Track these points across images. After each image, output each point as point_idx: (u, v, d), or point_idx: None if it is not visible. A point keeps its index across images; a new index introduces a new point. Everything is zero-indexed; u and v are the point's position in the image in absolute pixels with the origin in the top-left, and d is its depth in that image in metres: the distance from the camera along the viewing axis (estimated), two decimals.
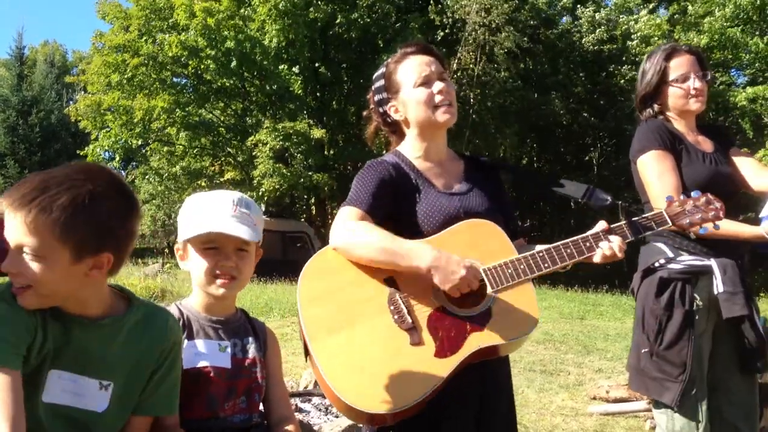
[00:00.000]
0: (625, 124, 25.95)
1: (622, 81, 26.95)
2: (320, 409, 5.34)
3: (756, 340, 2.83)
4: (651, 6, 28.87)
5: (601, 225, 2.26)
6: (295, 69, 25.33)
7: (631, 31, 26.82)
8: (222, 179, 26.66)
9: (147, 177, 28.58)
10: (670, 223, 2.30)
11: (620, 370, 7.53)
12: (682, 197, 2.35)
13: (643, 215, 2.33)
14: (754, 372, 2.91)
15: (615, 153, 29.11)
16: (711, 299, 2.82)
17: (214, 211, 1.89)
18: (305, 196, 28.68)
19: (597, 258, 2.21)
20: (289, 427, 2.00)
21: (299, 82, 25.34)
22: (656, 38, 24.90)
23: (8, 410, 1.44)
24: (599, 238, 2.22)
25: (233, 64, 23.17)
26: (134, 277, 14.43)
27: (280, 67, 24.57)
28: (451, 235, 2.19)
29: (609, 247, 2.19)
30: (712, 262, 2.81)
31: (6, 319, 1.53)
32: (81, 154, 25.99)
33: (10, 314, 1.55)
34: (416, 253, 2.08)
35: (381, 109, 2.43)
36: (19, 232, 1.51)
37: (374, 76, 2.48)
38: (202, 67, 23.80)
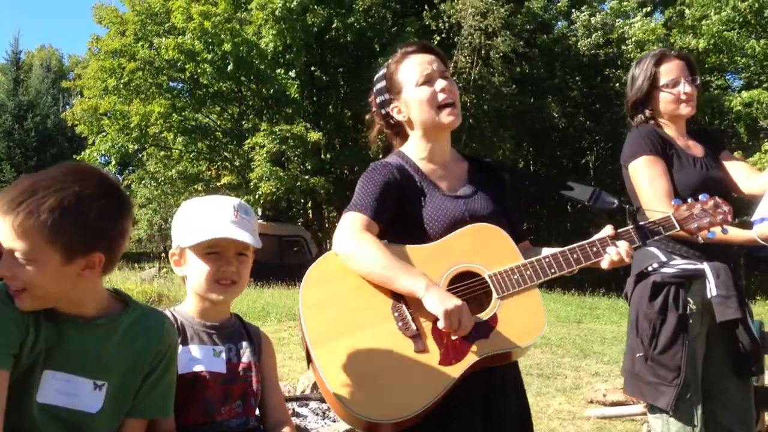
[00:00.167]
0: (621, 128, 25.97)
1: (618, 85, 26.99)
2: (317, 414, 5.34)
3: (749, 343, 2.83)
4: (646, 10, 28.94)
5: (608, 230, 2.23)
6: (292, 73, 25.34)
7: (626, 36, 26.88)
8: (218, 183, 26.65)
9: (143, 181, 28.55)
10: (678, 228, 2.29)
11: (617, 373, 7.54)
12: (689, 201, 2.33)
13: (651, 220, 2.31)
14: (748, 376, 2.92)
15: (611, 157, 29.15)
16: (704, 303, 2.82)
17: (216, 216, 1.89)
18: (302, 200, 28.66)
19: (605, 264, 2.18)
20: (285, 431, 1.99)
21: (296, 86, 25.36)
22: (651, 43, 24.98)
23: None
24: (606, 243, 2.20)
25: (230, 67, 23.16)
26: (131, 282, 14.43)
27: (276, 71, 24.58)
28: (456, 239, 2.16)
29: (616, 252, 2.17)
30: (705, 266, 2.81)
31: None
32: (77, 158, 25.92)
33: (1, 314, 1.55)
34: (411, 281, 2.03)
35: (383, 111, 2.39)
36: (8, 236, 1.52)
37: (375, 78, 2.44)
38: (199, 71, 23.79)
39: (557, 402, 6.47)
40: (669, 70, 3.02)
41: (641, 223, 2.27)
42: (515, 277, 2.13)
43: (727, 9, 21.62)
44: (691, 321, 2.81)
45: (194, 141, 25.52)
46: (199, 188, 26.21)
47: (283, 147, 23.00)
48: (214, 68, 23.46)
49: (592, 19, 27.66)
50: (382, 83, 2.39)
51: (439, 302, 1.96)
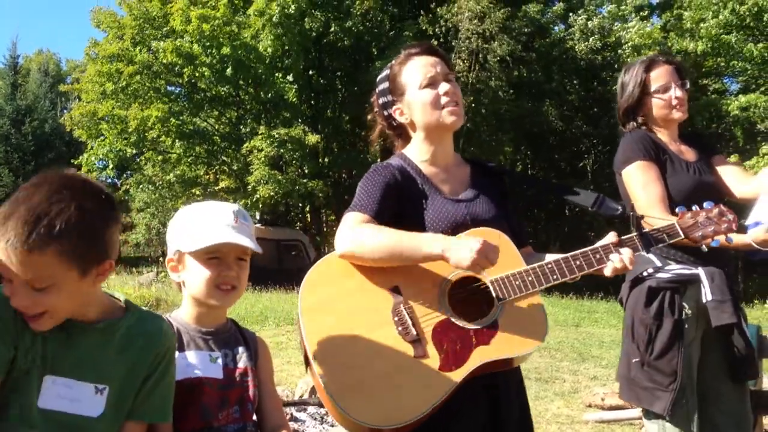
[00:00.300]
0: (618, 132, 25.99)
1: (616, 89, 27.03)
2: (315, 419, 5.34)
3: (744, 348, 2.84)
4: (642, 14, 29.02)
5: (611, 237, 2.22)
6: (290, 77, 25.36)
7: (622, 41, 26.95)
8: (216, 188, 26.64)
9: (141, 186, 28.54)
10: (683, 236, 2.28)
11: (615, 377, 7.54)
12: (694, 208, 2.33)
13: (655, 227, 2.30)
14: (744, 380, 2.92)
15: (609, 160, 29.01)
16: (699, 308, 2.83)
17: (216, 222, 1.90)
18: (300, 204, 28.66)
19: (608, 271, 2.17)
20: None
21: (294, 90, 25.37)
22: (648, 47, 25.03)
23: None
24: (610, 250, 2.18)
25: (228, 71, 23.16)
26: (129, 286, 14.42)
27: (275, 75, 24.60)
28: None
29: (620, 259, 2.15)
30: (700, 271, 2.82)
31: None
32: (75, 162, 25.95)
33: None
34: (427, 242, 2.03)
35: (386, 112, 2.38)
36: (22, 270, 1.51)
37: (378, 78, 2.42)
38: (197, 74, 23.79)
39: (556, 406, 6.47)
40: (659, 76, 3.03)
41: (645, 230, 2.27)
42: (517, 282, 2.12)
43: (725, 12, 21.65)
44: (686, 326, 2.81)
45: (192, 145, 25.50)
46: (197, 192, 26.18)
47: (281, 150, 22.99)
48: (213, 72, 23.46)
49: (589, 23, 27.72)
50: (385, 84, 2.37)
51: (461, 259, 1.97)
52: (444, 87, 2.25)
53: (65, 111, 36.79)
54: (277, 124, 24.14)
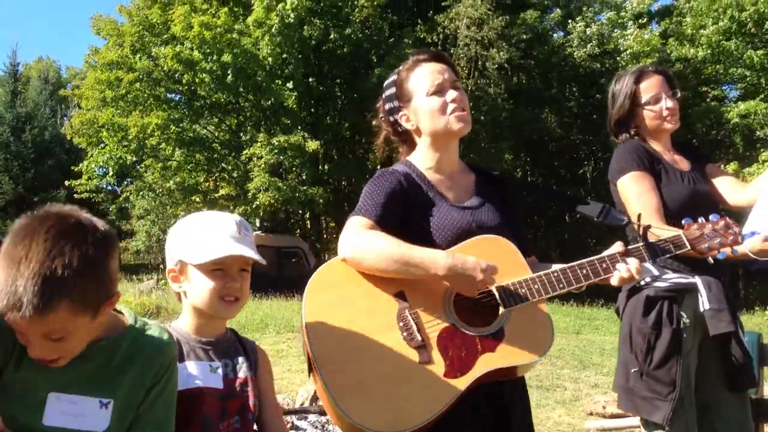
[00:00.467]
0: None
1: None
2: (317, 427, 5.32)
3: (742, 356, 2.84)
4: (641, 22, 29.08)
5: (617, 246, 2.22)
6: (289, 84, 25.40)
7: (621, 48, 27.01)
8: (216, 195, 26.64)
9: (141, 193, 28.55)
10: (689, 247, 2.28)
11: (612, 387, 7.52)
12: (700, 220, 2.33)
13: (661, 238, 2.30)
14: (743, 389, 2.91)
15: (608, 167, 29.14)
16: (697, 316, 2.83)
17: (221, 233, 1.90)
18: (300, 211, 28.67)
19: (615, 280, 2.17)
20: None
21: (293, 97, 25.41)
22: (646, 54, 25.08)
23: None
24: (616, 260, 2.18)
25: (229, 77, 23.19)
26: (129, 294, 14.38)
27: (275, 82, 24.63)
28: (463, 250, 2.13)
29: (626, 269, 2.15)
30: (697, 280, 2.82)
31: None
32: (75, 170, 25.96)
33: None
34: (430, 260, 2.02)
35: (391, 118, 2.37)
36: (37, 328, 1.51)
37: (385, 84, 2.42)
38: (197, 80, 23.82)
39: (557, 414, 6.45)
40: (649, 87, 3.04)
41: (651, 241, 2.26)
42: (523, 290, 2.11)
43: (725, 19, 21.72)
44: (684, 335, 2.81)
45: (192, 153, 25.52)
46: (197, 200, 26.18)
47: (281, 157, 23.00)
48: (213, 78, 23.49)
49: (587, 30, 27.78)
50: (392, 90, 2.36)
51: (462, 288, 2.03)
52: (451, 94, 2.25)
53: (65, 118, 36.85)
54: (276, 131, 24.16)
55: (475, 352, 2.02)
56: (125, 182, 30.65)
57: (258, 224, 24.98)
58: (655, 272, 2.86)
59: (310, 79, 26.07)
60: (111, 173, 26.35)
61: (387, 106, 2.39)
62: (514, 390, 2.22)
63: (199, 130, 26.15)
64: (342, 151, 27.72)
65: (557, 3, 30.31)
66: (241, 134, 25.74)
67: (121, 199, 30.40)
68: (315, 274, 2.12)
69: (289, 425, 5.21)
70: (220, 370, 1.95)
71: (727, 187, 3.04)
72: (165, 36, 24.21)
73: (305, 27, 23.83)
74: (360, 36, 24.76)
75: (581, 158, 31.37)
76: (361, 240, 2.07)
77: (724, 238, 2.29)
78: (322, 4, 23.97)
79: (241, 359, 2.01)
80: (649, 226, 2.30)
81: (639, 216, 2.28)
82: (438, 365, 2.00)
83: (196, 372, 1.91)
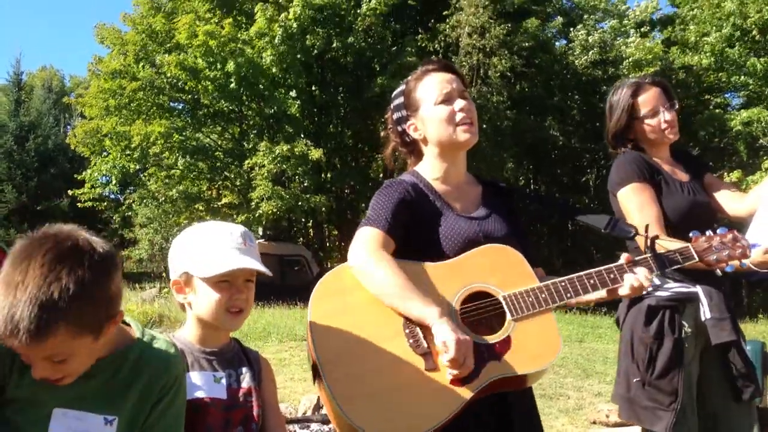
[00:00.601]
0: None
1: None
2: None
3: (743, 366, 2.83)
4: (643, 30, 29.12)
5: (624, 257, 2.21)
6: (292, 93, 25.45)
7: (624, 56, 27.04)
8: (219, 203, 26.65)
9: (144, 201, 28.57)
10: (697, 259, 2.28)
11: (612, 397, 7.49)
12: (708, 233, 2.32)
13: (669, 249, 2.30)
14: (749, 399, 2.89)
15: None
16: (698, 325, 2.83)
17: (227, 246, 1.91)
18: (303, 220, 28.67)
19: (624, 290, 2.16)
20: None
21: (296, 105, 25.46)
22: (648, 62, 25.09)
23: None
24: (624, 270, 2.17)
25: (232, 85, 23.23)
26: (131, 303, 14.36)
27: (278, 90, 24.69)
28: (471, 258, 2.14)
29: (635, 278, 2.14)
30: (698, 289, 2.82)
31: None
32: (78, 178, 26.00)
33: None
34: (421, 313, 2.00)
35: (400, 128, 2.37)
36: (40, 353, 1.51)
37: (393, 94, 2.42)
38: (200, 88, 23.87)
39: (560, 423, 6.43)
40: (647, 101, 3.04)
41: (659, 252, 2.25)
42: (530, 299, 2.10)
43: (727, 26, 21.72)
44: (686, 344, 2.81)
45: (195, 161, 25.54)
46: (200, 208, 26.20)
47: (284, 166, 23.02)
48: (216, 86, 23.54)
49: (589, 37, 27.83)
50: (401, 99, 2.37)
51: (452, 332, 1.92)
52: (459, 103, 2.26)
53: (69, 127, 36.91)
54: (279, 139, 24.20)
55: (481, 360, 2.01)
56: (128, 191, 30.69)
57: (261, 232, 24.95)
58: (657, 281, 2.85)
59: (313, 88, 26.13)
60: (114, 182, 26.39)
61: (395, 116, 2.39)
62: (519, 400, 2.20)
63: (202, 139, 26.20)
64: (345, 159, 27.75)
65: (558, 11, 30.40)
66: (244, 143, 25.78)
67: (123, 207, 30.41)
68: (321, 281, 2.12)
69: None
70: (223, 381, 1.95)
71: (726, 197, 3.05)
72: (168, 45, 24.29)
73: (308, 36, 23.88)
74: (363, 45, 24.82)
75: (584, 166, 31.36)
76: (369, 264, 2.07)
77: (732, 251, 2.29)
78: (324, 14, 24.04)
79: (244, 369, 2.01)
80: (657, 237, 2.29)
81: (647, 227, 2.27)
82: (444, 373, 1.98)
83: (200, 382, 1.91)
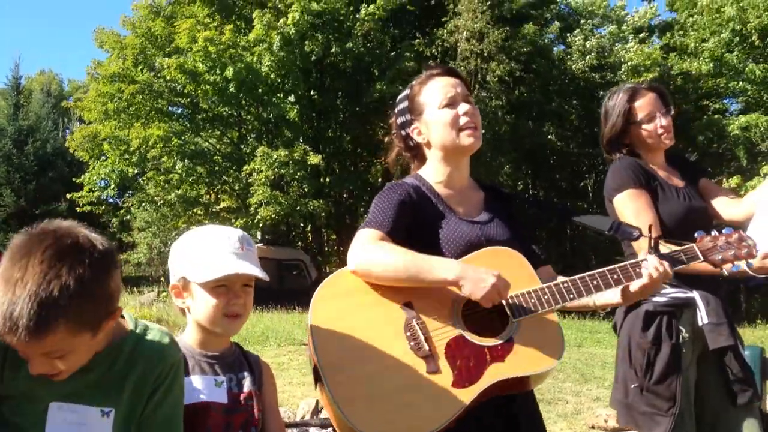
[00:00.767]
0: None
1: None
2: None
3: (740, 370, 2.83)
4: (641, 36, 29.19)
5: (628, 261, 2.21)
6: (291, 98, 25.47)
7: (622, 61, 27.09)
8: (218, 207, 26.65)
9: (143, 205, 28.57)
10: (702, 258, 2.26)
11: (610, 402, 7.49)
12: (713, 233, 2.32)
13: (674, 249, 2.29)
14: (746, 403, 2.88)
15: None
16: (695, 330, 2.83)
17: (224, 250, 1.90)
18: (301, 224, 28.65)
19: (635, 286, 2.15)
20: None
21: (295, 110, 25.47)
22: (647, 68, 25.13)
23: None
24: (627, 271, 2.17)
25: (231, 89, 23.23)
26: (130, 306, 14.34)
27: (277, 95, 24.69)
28: (474, 260, 2.13)
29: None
30: (695, 294, 2.82)
31: None
32: (77, 182, 26.00)
33: None
34: (441, 266, 2.02)
35: (403, 132, 2.38)
36: (39, 349, 1.51)
37: (398, 99, 2.43)
38: (199, 92, 23.87)
39: (559, 428, 6.43)
40: (643, 106, 3.04)
41: (663, 252, 2.25)
42: (533, 300, 2.10)
43: (727, 32, 21.75)
44: (684, 350, 2.81)
45: (194, 166, 25.54)
46: (199, 212, 26.19)
47: (283, 171, 23.01)
48: (215, 90, 23.55)
49: (587, 42, 27.88)
50: (405, 104, 2.38)
51: (474, 290, 1.99)
52: (464, 107, 2.27)
53: (67, 131, 36.92)
54: (278, 143, 24.20)
55: (484, 362, 2.01)
56: (127, 194, 30.66)
57: (259, 237, 24.94)
58: None
59: (312, 93, 26.14)
60: (112, 185, 26.41)
61: (399, 120, 2.40)
62: (524, 402, 2.21)
63: (200, 143, 26.20)
64: (343, 164, 27.76)
65: (556, 16, 30.44)
66: (243, 147, 25.78)
67: (122, 211, 30.40)
68: (322, 284, 2.11)
69: None
70: (224, 384, 1.95)
71: (722, 202, 3.05)
72: (168, 49, 24.31)
73: (306, 42, 23.90)
74: (361, 50, 24.84)
75: (582, 171, 31.39)
76: (370, 251, 2.07)
77: (738, 251, 2.27)
78: (323, 19, 24.07)
79: (245, 373, 2.01)
80: (660, 237, 2.29)
81: (650, 228, 2.27)
82: (446, 375, 1.98)
83: (201, 386, 1.91)
